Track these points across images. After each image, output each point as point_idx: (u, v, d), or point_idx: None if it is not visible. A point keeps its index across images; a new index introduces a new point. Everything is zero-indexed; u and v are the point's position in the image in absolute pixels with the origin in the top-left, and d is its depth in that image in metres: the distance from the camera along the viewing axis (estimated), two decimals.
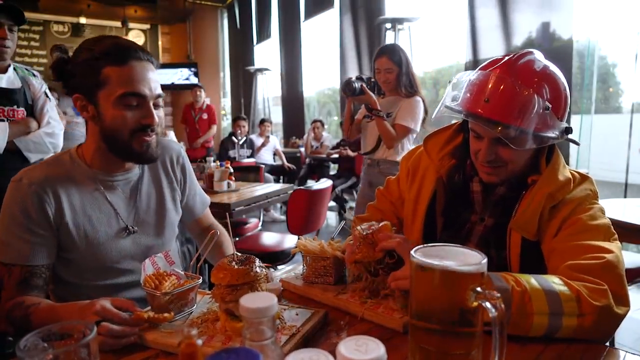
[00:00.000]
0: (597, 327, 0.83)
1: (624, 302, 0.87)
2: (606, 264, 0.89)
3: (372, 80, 2.59)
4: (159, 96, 1.12)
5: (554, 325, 0.84)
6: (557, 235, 1.00)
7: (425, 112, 2.65)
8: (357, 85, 2.47)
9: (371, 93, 2.51)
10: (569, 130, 0.98)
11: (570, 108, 1.03)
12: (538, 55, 1.02)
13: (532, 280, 0.86)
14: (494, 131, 0.96)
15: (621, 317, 0.86)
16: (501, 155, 1.02)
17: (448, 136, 1.19)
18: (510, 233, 1.03)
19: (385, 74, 2.60)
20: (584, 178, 1.07)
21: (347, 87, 2.47)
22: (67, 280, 1.16)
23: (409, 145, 2.69)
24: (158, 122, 1.12)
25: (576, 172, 1.08)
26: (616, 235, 0.99)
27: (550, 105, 0.94)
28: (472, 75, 1.02)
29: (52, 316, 0.97)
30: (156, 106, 1.12)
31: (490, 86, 0.97)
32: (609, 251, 0.92)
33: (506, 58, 1.01)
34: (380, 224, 1.03)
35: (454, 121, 1.21)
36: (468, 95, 1.01)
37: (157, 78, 1.12)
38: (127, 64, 1.06)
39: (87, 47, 1.08)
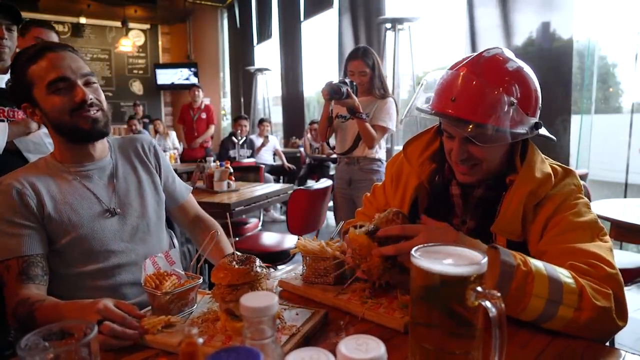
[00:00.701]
0: (592, 325, 0.83)
1: (623, 316, 0.87)
2: (609, 277, 0.88)
3: (355, 84, 2.63)
4: (86, 75, 1.18)
5: (548, 312, 0.84)
6: (544, 237, 0.99)
7: (397, 112, 2.79)
8: (344, 89, 2.52)
9: (355, 97, 2.56)
10: (538, 125, 0.97)
11: (540, 105, 1.02)
12: (507, 52, 1.02)
13: (540, 265, 0.87)
14: (463, 130, 0.96)
15: (618, 327, 0.86)
16: (473, 153, 1.02)
17: (427, 141, 1.19)
18: (495, 236, 1.03)
19: (359, 76, 2.70)
20: (567, 172, 1.05)
21: (335, 92, 2.50)
22: (58, 273, 1.17)
23: (383, 142, 2.83)
24: (95, 98, 1.18)
25: (558, 165, 1.07)
26: (604, 230, 0.99)
27: (515, 101, 0.94)
28: (441, 75, 1.02)
29: (55, 314, 0.97)
30: (88, 84, 1.19)
31: (456, 85, 0.97)
32: (610, 264, 0.90)
33: (472, 56, 1.01)
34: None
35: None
36: (436, 95, 1.01)
37: (78, 62, 1.19)
38: (43, 57, 1.14)
39: (17, 59, 1.18)
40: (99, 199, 1.23)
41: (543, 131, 1.01)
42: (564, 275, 0.87)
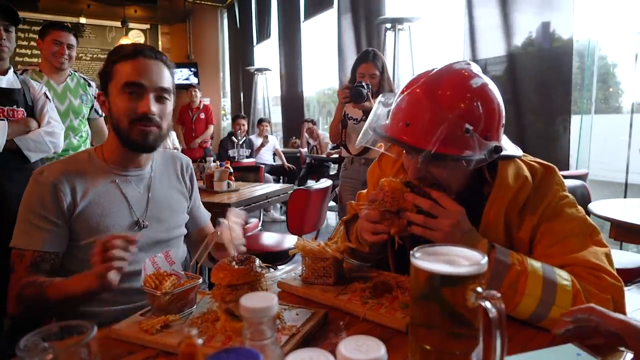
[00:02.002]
0: None
1: None
2: (610, 287, 0.88)
3: (370, 87, 2.67)
4: (162, 89, 1.19)
5: (540, 313, 0.85)
6: (535, 249, 0.97)
7: None
8: (364, 92, 2.57)
9: (372, 100, 2.60)
10: (498, 149, 0.91)
11: (504, 122, 0.97)
12: (475, 68, 0.95)
13: (538, 266, 0.87)
14: (417, 157, 0.93)
15: None
16: (432, 173, 0.97)
17: (399, 148, 1.14)
18: None
19: (369, 79, 2.73)
20: (547, 170, 1.01)
21: (360, 95, 2.56)
22: (72, 269, 1.17)
23: None
24: (157, 114, 1.19)
25: (537, 162, 1.03)
26: (596, 228, 0.97)
27: (471, 128, 0.88)
28: (397, 96, 0.98)
29: (65, 287, 1.03)
30: (160, 99, 1.20)
31: (409, 109, 0.93)
32: (611, 274, 0.89)
33: (429, 74, 0.95)
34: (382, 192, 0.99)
35: None
36: (391, 118, 0.97)
37: (165, 75, 1.21)
38: (135, 59, 1.16)
39: (115, 52, 1.21)
40: (132, 209, 1.23)
41: (510, 149, 0.98)
42: (562, 277, 0.87)
